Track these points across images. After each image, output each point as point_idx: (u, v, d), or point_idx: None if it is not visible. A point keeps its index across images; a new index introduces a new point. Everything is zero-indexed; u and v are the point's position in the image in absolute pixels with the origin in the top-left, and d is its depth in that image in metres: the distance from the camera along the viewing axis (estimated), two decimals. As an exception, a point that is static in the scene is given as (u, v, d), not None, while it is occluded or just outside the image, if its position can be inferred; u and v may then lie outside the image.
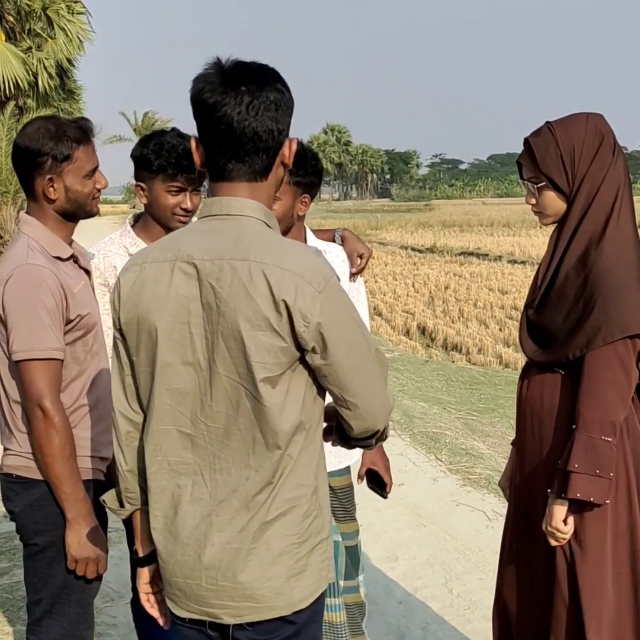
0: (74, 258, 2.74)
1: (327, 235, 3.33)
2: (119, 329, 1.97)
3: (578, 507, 2.54)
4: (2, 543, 4.97)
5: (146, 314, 1.91)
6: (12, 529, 5.09)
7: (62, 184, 2.65)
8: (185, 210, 3.01)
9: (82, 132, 2.66)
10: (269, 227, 1.93)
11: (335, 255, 3.17)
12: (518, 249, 26.44)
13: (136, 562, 2.18)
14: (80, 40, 28.20)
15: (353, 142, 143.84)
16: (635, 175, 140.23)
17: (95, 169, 2.70)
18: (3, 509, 2.79)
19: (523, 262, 23.04)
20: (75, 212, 2.72)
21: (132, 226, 3.16)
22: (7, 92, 25.27)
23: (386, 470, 3.28)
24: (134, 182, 3.10)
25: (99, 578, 2.73)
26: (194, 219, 2.96)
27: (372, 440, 2.03)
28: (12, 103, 23.85)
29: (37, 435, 2.56)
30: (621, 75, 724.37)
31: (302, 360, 1.87)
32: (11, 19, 26.92)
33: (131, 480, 2.07)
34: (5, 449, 2.72)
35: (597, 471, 2.46)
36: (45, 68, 27.06)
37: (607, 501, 2.50)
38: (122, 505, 2.13)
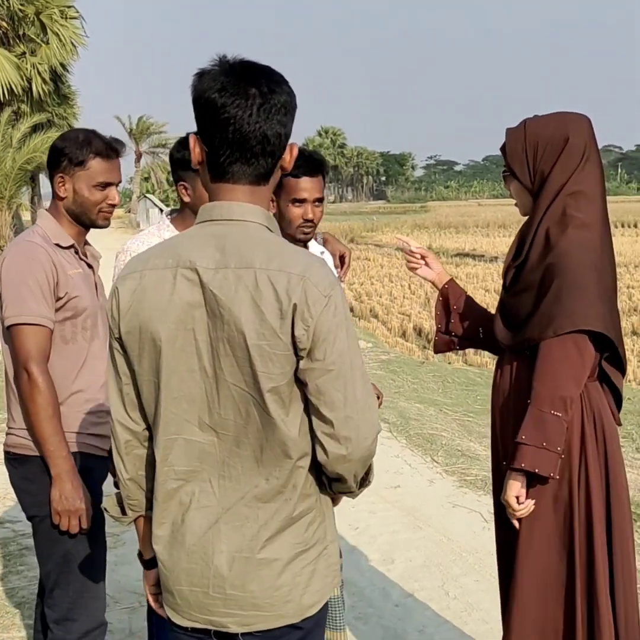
0: (74, 249, 2.93)
1: None
2: (118, 339, 1.92)
3: (532, 482, 2.62)
4: (-2, 549, 4.96)
5: (148, 322, 1.86)
6: (7, 536, 5.11)
7: (72, 186, 2.88)
8: None
9: (106, 147, 2.88)
10: (271, 231, 1.90)
11: (328, 259, 3.27)
12: (514, 249, 26.43)
13: (142, 565, 2.18)
14: (73, 45, 28.29)
15: (348, 144, 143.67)
16: (631, 175, 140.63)
17: (111, 184, 2.90)
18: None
19: (519, 263, 23.01)
20: (80, 215, 2.91)
21: (171, 220, 3.21)
22: (1, 97, 25.28)
23: None
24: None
25: (97, 542, 2.88)
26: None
27: (351, 481, 1.93)
28: (9, 109, 23.88)
29: (24, 397, 2.73)
30: (616, 77, 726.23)
31: (296, 373, 1.83)
32: (4, 24, 26.96)
33: (133, 488, 2.05)
34: (8, 428, 2.90)
35: (544, 443, 2.54)
36: (39, 73, 27.14)
37: (553, 475, 2.57)
38: (124, 512, 2.11)
